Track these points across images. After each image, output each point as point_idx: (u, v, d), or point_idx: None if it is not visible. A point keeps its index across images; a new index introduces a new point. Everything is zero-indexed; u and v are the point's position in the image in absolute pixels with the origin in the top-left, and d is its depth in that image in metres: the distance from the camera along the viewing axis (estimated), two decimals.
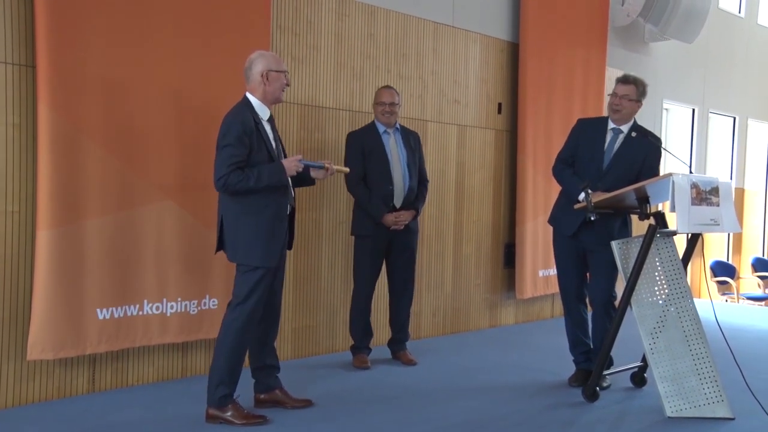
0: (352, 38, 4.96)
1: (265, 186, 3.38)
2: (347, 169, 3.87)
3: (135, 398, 3.80)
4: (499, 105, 6.02)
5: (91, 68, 3.66)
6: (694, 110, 8.77)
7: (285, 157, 3.60)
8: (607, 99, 4.37)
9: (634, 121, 4.26)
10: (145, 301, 3.94)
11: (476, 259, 5.90)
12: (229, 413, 3.43)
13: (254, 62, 3.49)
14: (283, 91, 3.55)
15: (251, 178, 3.35)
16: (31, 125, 3.57)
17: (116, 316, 3.80)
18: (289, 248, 3.68)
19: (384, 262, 4.62)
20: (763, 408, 3.71)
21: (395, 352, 4.75)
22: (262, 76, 3.46)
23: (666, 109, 8.44)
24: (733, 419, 3.76)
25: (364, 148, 4.50)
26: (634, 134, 4.21)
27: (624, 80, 4.23)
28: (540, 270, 6.20)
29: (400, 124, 4.64)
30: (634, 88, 4.18)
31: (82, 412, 3.59)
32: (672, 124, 8.80)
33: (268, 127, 3.52)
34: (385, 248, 4.56)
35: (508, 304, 6.18)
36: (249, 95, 3.50)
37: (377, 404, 3.88)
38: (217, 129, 4.12)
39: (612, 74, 6.84)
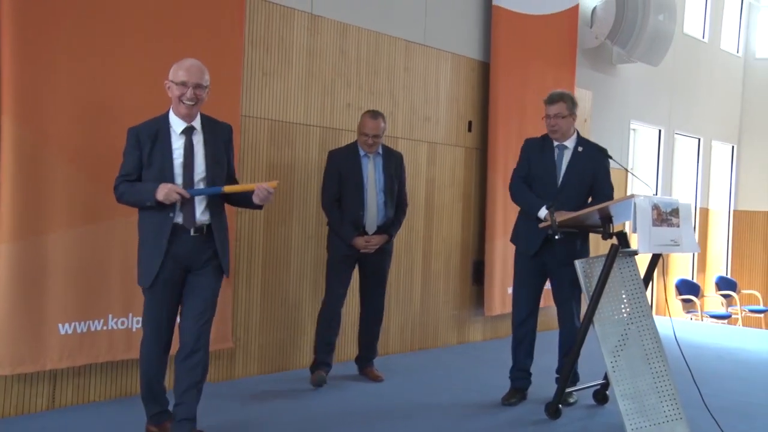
0: (324, 54, 4.99)
1: (134, 203, 3.21)
2: (275, 183, 3.34)
3: (97, 415, 3.76)
4: (470, 123, 6.09)
5: (57, 82, 3.64)
6: (660, 131, 8.95)
7: (206, 174, 3.24)
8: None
9: (577, 135, 4.33)
10: (110, 316, 3.90)
11: (445, 275, 5.94)
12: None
13: None
14: (181, 104, 3.19)
15: (131, 193, 3.19)
16: None
17: (79, 330, 3.76)
18: (221, 274, 3.33)
19: (359, 281, 4.66)
20: (719, 426, 3.78)
21: (362, 368, 4.75)
22: (165, 84, 3.26)
23: (633, 130, 8.59)
24: None
25: (341, 170, 4.47)
26: (580, 149, 4.27)
27: (550, 100, 4.29)
28: (509, 287, 6.23)
29: (382, 147, 4.59)
30: (563, 105, 4.24)
31: (41, 429, 3.53)
32: (639, 144, 8.97)
33: (178, 142, 3.21)
34: (355, 267, 4.58)
35: (476, 321, 6.22)
36: (171, 107, 3.29)
37: (338, 422, 3.88)
38: None
39: (581, 95, 6.98)
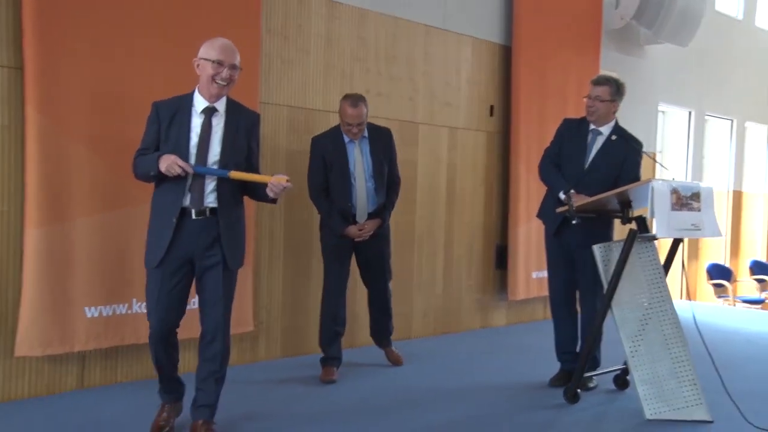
0: (342, 41, 5.01)
1: (142, 174, 3.17)
2: (286, 179, 3.22)
3: (124, 395, 3.86)
4: (491, 107, 6.06)
5: (78, 72, 3.72)
6: (690, 113, 8.80)
7: (221, 157, 3.17)
8: None
9: (616, 124, 4.30)
10: (134, 300, 4.00)
11: (467, 260, 5.95)
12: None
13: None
14: (213, 84, 3.14)
15: (136, 165, 3.18)
16: (19, 127, 3.63)
17: (105, 314, 3.86)
18: (227, 265, 3.23)
19: (359, 271, 4.53)
20: (740, 411, 3.75)
21: (379, 344, 4.70)
22: (195, 64, 3.19)
23: (662, 112, 8.46)
24: (711, 422, 3.79)
25: (325, 157, 4.26)
26: (614, 137, 4.25)
27: (597, 81, 4.28)
28: (533, 272, 6.24)
29: (367, 127, 4.33)
30: (607, 89, 4.22)
31: (71, 408, 3.65)
32: (668, 127, 8.83)
33: (197, 120, 3.16)
34: (351, 256, 4.42)
35: (499, 306, 6.23)
36: (197, 86, 3.25)
37: (357, 408, 3.92)
38: None
39: None
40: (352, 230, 4.28)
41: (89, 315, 3.82)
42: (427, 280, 5.64)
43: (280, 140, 4.70)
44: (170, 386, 3.38)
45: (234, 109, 3.26)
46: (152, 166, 3.08)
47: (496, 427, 3.69)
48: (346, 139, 4.29)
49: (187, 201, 3.14)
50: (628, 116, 7.24)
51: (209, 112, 3.18)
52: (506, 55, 6.11)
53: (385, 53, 5.28)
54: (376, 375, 4.53)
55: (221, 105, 3.21)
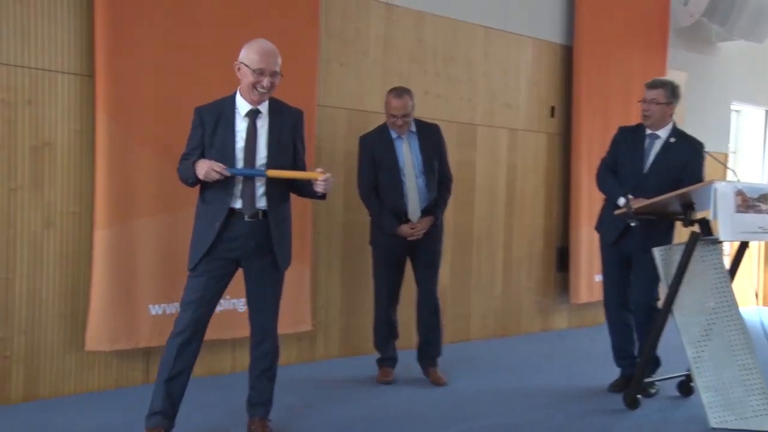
0: (400, 43, 5.05)
1: (184, 181, 3.18)
2: (316, 174, 3.22)
3: (187, 390, 3.97)
4: (552, 108, 6.00)
5: (145, 78, 3.87)
6: (767, 112, 8.47)
7: (268, 159, 3.16)
8: None
9: (674, 126, 4.21)
10: None
11: (527, 262, 5.90)
12: None
13: (242, 51, 3.17)
14: (255, 91, 3.12)
15: (179, 171, 3.19)
16: (90, 132, 3.80)
17: (167, 312, 3.99)
18: (276, 267, 3.24)
19: (411, 269, 4.35)
20: None
21: (424, 367, 4.37)
22: (236, 68, 3.16)
23: (736, 111, 8.18)
24: None
25: (374, 155, 4.20)
26: (673, 140, 4.16)
27: (651, 85, 4.21)
28: (596, 275, 6.12)
29: (415, 123, 4.25)
30: (662, 92, 4.14)
31: (138, 401, 3.76)
32: (742, 126, 8.52)
33: (242, 124, 3.15)
34: (404, 258, 4.29)
35: (560, 309, 6.15)
36: (239, 88, 3.22)
37: (411, 407, 3.95)
38: None
39: (675, 77, 6.69)
40: (404, 229, 4.15)
41: (153, 312, 3.96)
42: (485, 281, 5.62)
43: (338, 143, 4.76)
44: (171, 408, 3.16)
45: (277, 109, 3.24)
46: (190, 174, 3.11)
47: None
48: (394, 135, 4.20)
49: (238, 204, 3.13)
50: (699, 116, 7.09)
51: (253, 115, 3.16)
52: (567, 55, 6.03)
53: (444, 55, 5.29)
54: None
55: (264, 106, 3.20)
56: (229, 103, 3.18)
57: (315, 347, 4.75)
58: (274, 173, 3.14)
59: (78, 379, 3.87)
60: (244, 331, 4.27)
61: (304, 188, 3.29)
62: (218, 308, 4.11)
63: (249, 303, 3.31)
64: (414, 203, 4.19)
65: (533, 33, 5.82)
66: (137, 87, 3.85)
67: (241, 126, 3.16)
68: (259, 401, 3.34)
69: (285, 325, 4.41)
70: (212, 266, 3.15)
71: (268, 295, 3.27)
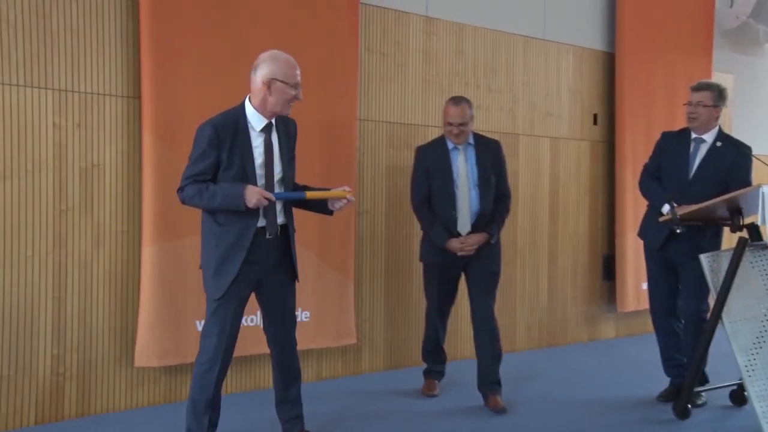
0: (440, 56, 5.07)
1: (218, 207, 3.01)
2: (343, 192, 3.23)
3: (233, 405, 4.04)
4: (595, 116, 5.94)
5: (189, 99, 3.96)
6: None
7: (283, 174, 3.16)
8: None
9: (719, 130, 4.14)
10: None
11: (573, 271, 5.83)
12: None
13: (261, 65, 3.08)
14: (288, 106, 3.11)
15: (204, 195, 2.98)
16: (137, 152, 3.91)
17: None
18: (293, 278, 3.28)
19: (466, 288, 4.22)
20: None
21: (484, 395, 4.11)
22: (263, 83, 3.05)
23: None
24: None
25: (428, 166, 4.12)
26: (719, 144, 4.08)
27: (697, 87, 4.14)
28: (643, 283, 6.02)
29: (474, 136, 4.18)
30: (708, 94, 4.07)
31: (185, 415, 3.86)
32: None
33: (258, 139, 3.09)
34: (458, 275, 4.18)
35: (608, 318, 6.06)
36: (247, 99, 3.13)
37: (454, 419, 3.93)
38: (305, 147, 4.34)
39: (721, 79, 6.57)
40: (453, 243, 4.02)
41: (199, 328, 4.02)
42: (530, 292, 5.58)
43: (381, 156, 4.80)
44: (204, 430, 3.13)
45: (280, 121, 3.20)
46: (236, 203, 2.96)
47: None
48: (450, 146, 4.11)
49: (262, 223, 3.10)
50: (746, 119, 6.94)
51: (268, 130, 3.12)
52: (610, 62, 5.97)
53: (484, 66, 5.29)
54: (476, 388, 4.52)
55: (273, 120, 3.17)
56: (241, 118, 3.08)
57: (360, 360, 4.77)
58: (313, 195, 3.18)
59: (128, 394, 3.96)
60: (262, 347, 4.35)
61: (314, 205, 3.28)
62: (251, 323, 4.22)
63: (272, 317, 3.28)
64: (464, 216, 4.05)
65: (573, 41, 5.78)
66: (182, 107, 3.94)
67: (257, 142, 3.09)
68: (297, 415, 3.37)
69: (329, 339, 4.48)
70: (239, 289, 3.11)
71: (289, 306, 3.30)
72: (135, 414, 3.89)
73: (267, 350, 4.17)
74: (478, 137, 4.19)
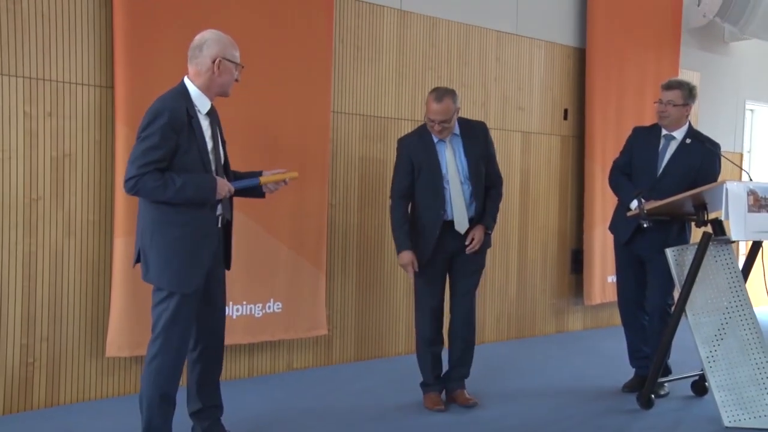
0: (414, 49, 5.10)
1: (186, 200, 2.85)
2: (295, 174, 3.27)
3: (235, 390, 4.01)
4: (565, 111, 6.03)
5: (163, 89, 3.88)
6: None
7: (224, 158, 3.11)
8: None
9: (689, 127, 4.23)
10: None
11: (542, 264, 5.92)
12: None
13: (207, 43, 2.97)
14: (231, 86, 3.06)
15: (170, 187, 2.81)
16: (109, 142, 3.89)
17: None
18: (227, 267, 3.22)
19: (448, 278, 4.02)
20: None
21: (450, 390, 4.03)
22: (213, 62, 2.95)
23: (750, 110, 8.16)
24: None
25: (413, 160, 3.86)
26: (688, 141, 4.18)
27: (668, 86, 4.22)
28: (609, 276, 6.14)
29: (459, 123, 3.90)
30: (679, 93, 4.16)
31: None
32: (757, 126, 8.49)
33: (205, 123, 2.98)
34: (446, 267, 3.96)
35: (575, 310, 6.17)
36: (187, 81, 3.00)
37: (421, 407, 3.99)
38: (279, 138, 4.38)
39: (688, 77, 6.70)
40: (405, 257, 3.80)
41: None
42: (500, 284, 5.65)
43: (353, 148, 4.82)
44: (170, 429, 3.07)
45: (213, 105, 3.13)
46: (208, 196, 2.90)
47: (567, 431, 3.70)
48: (436, 138, 3.85)
49: (219, 210, 3.06)
50: (712, 116, 7.09)
51: (213, 113, 3.07)
52: (580, 57, 6.05)
53: (458, 60, 5.34)
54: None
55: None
56: (188, 100, 2.96)
57: (331, 351, 4.80)
58: (266, 179, 3.15)
59: (99, 384, 3.95)
60: (262, 335, 4.38)
61: (251, 189, 3.22)
62: (236, 313, 4.24)
63: (204, 309, 3.12)
64: (460, 212, 3.83)
65: (545, 36, 5.85)
66: (156, 98, 3.91)
67: (205, 125, 3.00)
68: (216, 403, 3.28)
69: (301, 330, 4.51)
70: (205, 278, 3.03)
71: (223, 298, 3.23)
72: (105, 404, 3.88)
73: (260, 339, 4.21)
74: (463, 123, 3.93)
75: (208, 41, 2.99)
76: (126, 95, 3.84)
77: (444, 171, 3.83)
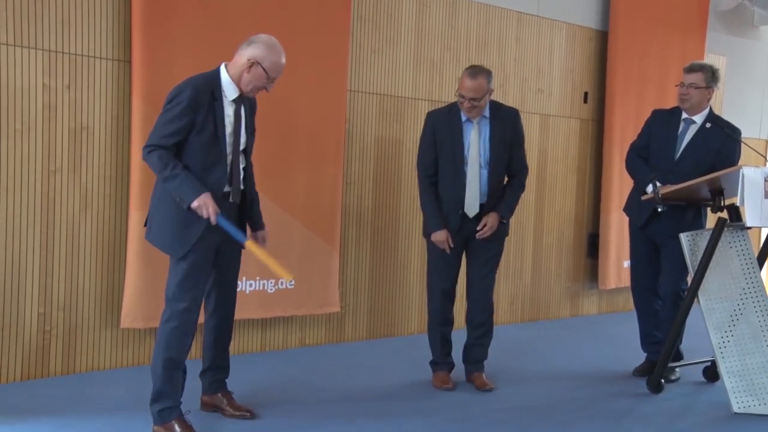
0: (433, 29, 5.07)
1: (169, 189, 3.01)
2: (289, 277, 3.22)
3: (247, 364, 4.06)
4: (585, 94, 5.97)
5: (180, 64, 3.95)
6: None
7: (245, 145, 3.22)
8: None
9: (710, 111, 4.18)
10: None
11: (557, 248, 5.90)
12: (174, 430, 3.07)
13: (255, 43, 3.12)
14: (256, 90, 3.17)
15: (166, 171, 2.98)
16: (126, 116, 3.93)
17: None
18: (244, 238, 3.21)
19: (465, 264, 4.01)
20: None
21: (468, 372, 4.03)
22: (248, 60, 3.08)
23: None
24: None
25: (437, 135, 3.83)
26: (708, 125, 4.12)
27: (690, 69, 4.16)
28: (624, 261, 6.09)
29: (491, 106, 3.86)
30: (701, 75, 4.10)
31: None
32: None
33: (230, 109, 3.12)
34: (462, 250, 3.95)
35: (590, 294, 6.14)
36: (223, 67, 3.15)
37: (432, 388, 4.01)
38: (294, 117, 4.39)
39: (714, 61, 6.59)
40: (439, 236, 3.80)
41: None
42: (514, 268, 5.64)
43: (370, 128, 4.83)
44: (179, 395, 3.19)
45: (246, 96, 3.24)
46: (185, 200, 2.98)
47: (573, 413, 3.70)
48: (464, 117, 3.81)
49: (227, 188, 3.14)
50: (737, 101, 6.98)
51: (239, 101, 3.18)
52: (602, 40, 5.99)
53: (476, 41, 5.30)
54: (457, 357, 4.60)
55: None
56: (217, 86, 3.10)
57: (343, 329, 4.84)
58: (253, 248, 3.14)
59: (113, 354, 4.03)
60: (274, 310, 4.42)
61: (249, 220, 3.36)
62: (249, 288, 4.29)
63: (218, 282, 3.29)
64: (473, 196, 3.80)
65: (567, 18, 5.79)
66: (172, 73, 3.92)
67: (228, 111, 3.13)
68: (226, 376, 3.46)
69: (313, 307, 4.55)
70: (204, 249, 3.12)
71: (237, 274, 3.40)
72: (119, 373, 3.95)
73: (272, 314, 4.28)
74: (494, 107, 3.88)
75: (256, 42, 3.13)
76: (143, 70, 3.87)
77: (465, 153, 3.81)
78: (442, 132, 3.85)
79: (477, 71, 3.76)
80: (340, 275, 4.67)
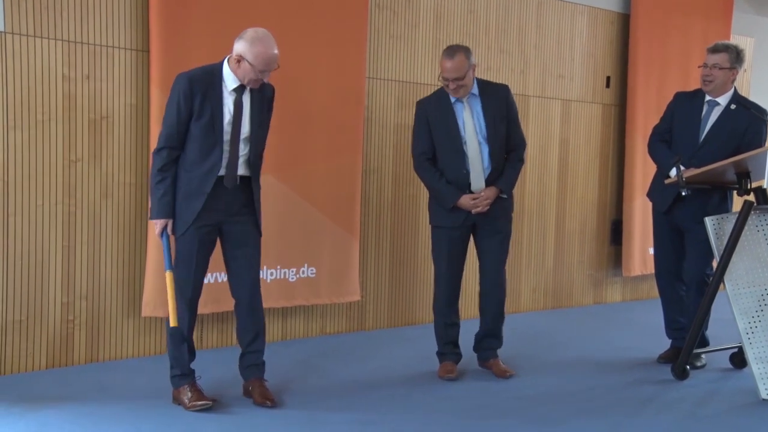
0: (452, 16, 5.03)
1: (150, 194, 3.32)
2: (173, 322, 3.29)
3: (236, 357, 4.09)
4: (608, 79, 5.89)
5: (197, 53, 3.94)
6: None
7: (249, 134, 3.30)
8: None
9: (734, 92, 4.09)
10: None
11: (580, 235, 5.84)
12: (184, 395, 3.34)
13: (240, 40, 3.20)
14: (255, 82, 3.23)
15: (155, 177, 3.24)
16: (146, 105, 3.94)
17: (219, 280, 4.11)
18: (258, 230, 3.43)
19: (474, 247, 3.96)
20: None
21: (484, 359, 4.00)
22: (236, 56, 3.19)
23: None
24: None
25: (430, 121, 3.82)
26: (733, 107, 4.04)
27: (714, 49, 4.07)
28: (649, 247, 6.01)
29: (478, 84, 3.83)
30: (725, 56, 4.01)
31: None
32: None
33: (229, 98, 3.24)
34: (468, 236, 3.91)
35: (614, 282, 6.08)
36: (226, 60, 3.27)
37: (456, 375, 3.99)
38: (312, 105, 4.38)
39: (740, 42, 6.46)
40: (465, 201, 3.73)
41: (206, 281, 4.03)
42: (537, 255, 5.59)
43: (389, 115, 4.80)
44: (189, 366, 3.43)
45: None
46: (152, 212, 3.30)
47: (597, 401, 3.66)
48: (453, 98, 3.78)
49: (222, 171, 3.26)
50: (765, 83, 6.83)
51: (240, 91, 3.25)
52: (624, 23, 5.90)
53: (496, 27, 5.25)
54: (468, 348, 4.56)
55: None
56: (217, 76, 3.24)
57: (365, 318, 4.83)
58: (168, 284, 3.30)
59: (135, 343, 4.05)
60: (295, 299, 4.42)
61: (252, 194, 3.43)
62: (270, 277, 4.29)
63: (231, 266, 3.44)
64: (478, 174, 3.77)
65: (588, 1, 5.71)
66: (189, 62, 3.89)
67: (228, 100, 3.24)
68: (257, 362, 3.49)
69: (334, 296, 4.55)
70: (199, 230, 3.31)
71: (251, 256, 3.42)
72: (142, 362, 3.98)
73: (293, 303, 4.33)
74: (482, 84, 3.85)
75: (242, 38, 3.20)
76: (160, 59, 3.88)
77: (462, 132, 3.78)
78: (434, 117, 3.82)
79: (454, 50, 3.72)
80: (360, 264, 4.66)
